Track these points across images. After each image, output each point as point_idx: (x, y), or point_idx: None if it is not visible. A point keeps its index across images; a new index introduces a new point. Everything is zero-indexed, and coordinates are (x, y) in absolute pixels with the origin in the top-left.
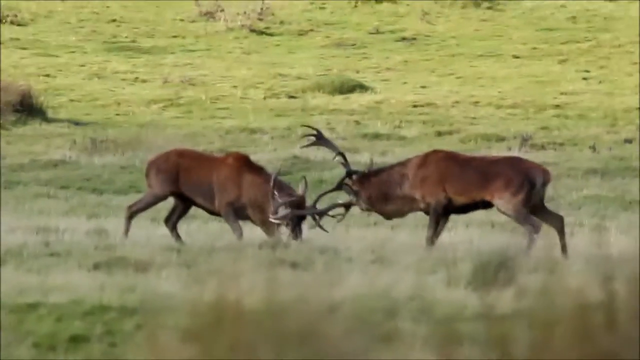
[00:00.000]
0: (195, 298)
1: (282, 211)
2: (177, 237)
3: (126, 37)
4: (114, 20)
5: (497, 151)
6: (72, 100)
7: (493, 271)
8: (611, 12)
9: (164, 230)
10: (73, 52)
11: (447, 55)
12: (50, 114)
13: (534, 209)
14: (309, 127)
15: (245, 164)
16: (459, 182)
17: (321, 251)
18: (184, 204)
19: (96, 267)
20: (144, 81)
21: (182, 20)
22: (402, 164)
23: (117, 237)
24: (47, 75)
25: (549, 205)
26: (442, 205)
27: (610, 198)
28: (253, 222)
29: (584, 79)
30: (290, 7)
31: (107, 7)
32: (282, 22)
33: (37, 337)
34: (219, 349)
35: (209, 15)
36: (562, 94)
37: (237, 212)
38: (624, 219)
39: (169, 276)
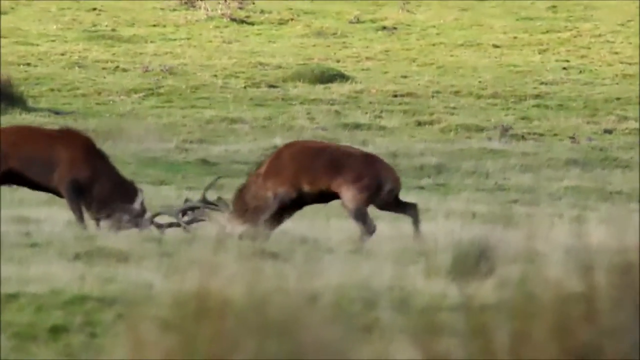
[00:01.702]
0: (175, 288)
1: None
2: None
3: (106, 25)
4: (94, 9)
5: (478, 141)
6: (52, 90)
7: (473, 262)
8: (591, 1)
9: None
10: (53, 40)
11: (428, 45)
12: (30, 103)
13: (388, 205)
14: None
15: (93, 145)
16: (310, 171)
17: (301, 242)
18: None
19: (76, 257)
20: (124, 70)
21: (162, 9)
22: (258, 166)
23: (96, 228)
24: (27, 64)
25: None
26: (290, 197)
27: (591, 189)
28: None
29: (564, 68)
30: None
31: None
32: (262, 11)
33: (17, 327)
34: (199, 340)
35: (189, 3)
36: (542, 83)
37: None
38: (605, 210)
39: (149, 266)
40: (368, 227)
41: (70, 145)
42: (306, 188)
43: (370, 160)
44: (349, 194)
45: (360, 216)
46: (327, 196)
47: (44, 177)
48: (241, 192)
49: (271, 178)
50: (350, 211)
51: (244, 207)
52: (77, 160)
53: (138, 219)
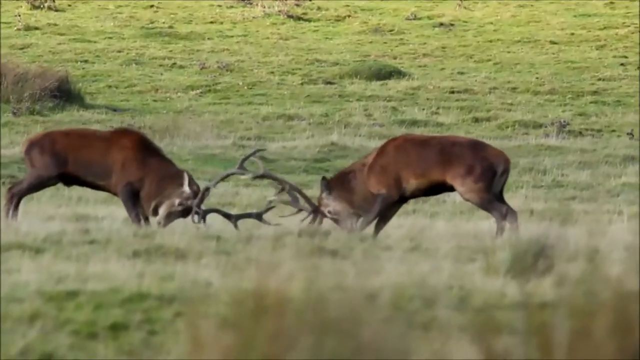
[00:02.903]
0: (234, 286)
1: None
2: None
3: (164, 22)
4: (151, 6)
5: (535, 137)
6: (109, 87)
7: (532, 259)
8: None
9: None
10: (110, 38)
11: (485, 41)
12: (87, 100)
13: (497, 192)
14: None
15: (145, 143)
16: (419, 164)
17: (360, 239)
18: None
19: (135, 254)
20: (181, 67)
21: (219, 6)
22: (365, 156)
23: (155, 225)
24: (85, 61)
25: (506, 196)
26: (392, 199)
27: None
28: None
29: (622, 64)
30: None
31: None
32: (319, 8)
33: (76, 325)
34: (258, 337)
35: (246, 1)
36: (599, 80)
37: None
38: None
39: (208, 264)
40: (499, 213)
41: (122, 148)
42: (413, 182)
43: (477, 147)
44: (466, 188)
45: (488, 205)
46: (436, 189)
47: (99, 179)
48: (346, 177)
49: (375, 175)
50: (476, 205)
51: (348, 192)
52: (128, 163)
53: (188, 202)
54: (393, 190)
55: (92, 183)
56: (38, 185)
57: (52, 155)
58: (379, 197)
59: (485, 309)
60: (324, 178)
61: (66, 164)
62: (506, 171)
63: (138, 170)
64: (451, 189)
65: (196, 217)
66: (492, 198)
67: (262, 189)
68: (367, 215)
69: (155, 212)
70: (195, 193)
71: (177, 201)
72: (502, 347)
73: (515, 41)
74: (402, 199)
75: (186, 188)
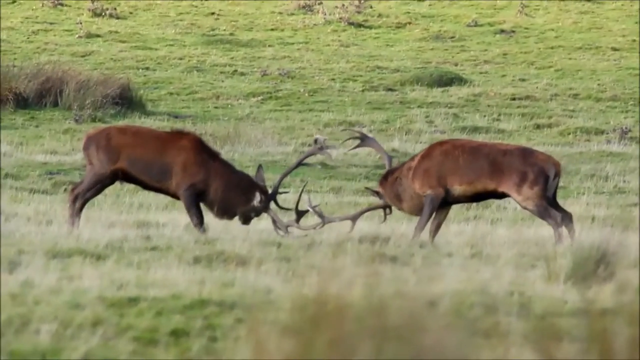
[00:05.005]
0: (295, 293)
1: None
2: (78, 218)
3: (225, 30)
4: (212, 14)
5: (597, 144)
6: (171, 94)
7: (593, 266)
8: None
9: (264, 224)
10: (172, 45)
11: (546, 48)
12: (149, 107)
13: (550, 195)
14: (352, 130)
15: (203, 145)
16: (465, 171)
17: (421, 246)
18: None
19: (196, 261)
20: (242, 74)
21: (280, 13)
22: (411, 158)
23: (216, 232)
24: (146, 69)
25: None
26: (440, 198)
27: None
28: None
29: None
30: (388, 0)
31: (206, 0)
32: (380, 15)
33: (137, 331)
34: (319, 344)
35: (307, 8)
36: None
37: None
38: None
39: (268, 271)
40: (555, 221)
41: (182, 149)
42: (457, 188)
43: (527, 154)
44: (523, 196)
45: (543, 212)
46: (482, 196)
47: (154, 180)
48: (393, 181)
49: (419, 177)
50: (532, 212)
51: (394, 193)
52: (190, 165)
53: (262, 213)
54: (439, 189)
55: (147, 183)
56: (96, 183)
57: (106, 152)
58: (427, 199)
59: (546, 315)
60: (366, 188)
61: (119, 160)
62: (557, 174)
63: (200, 172)
64: (499, 196)
65: (281, 232)
66: (547, 205)
67: (322, 195)
68: (420, 219)
69: (221, 216)
70: (266, 201)
71: (250, 215)
72: (563, 354)
73: (577, 48)
74: (447, 203)
75: (256, 203)
